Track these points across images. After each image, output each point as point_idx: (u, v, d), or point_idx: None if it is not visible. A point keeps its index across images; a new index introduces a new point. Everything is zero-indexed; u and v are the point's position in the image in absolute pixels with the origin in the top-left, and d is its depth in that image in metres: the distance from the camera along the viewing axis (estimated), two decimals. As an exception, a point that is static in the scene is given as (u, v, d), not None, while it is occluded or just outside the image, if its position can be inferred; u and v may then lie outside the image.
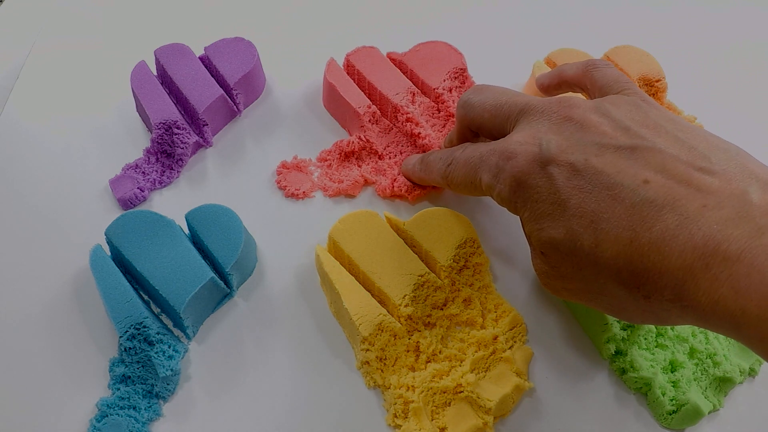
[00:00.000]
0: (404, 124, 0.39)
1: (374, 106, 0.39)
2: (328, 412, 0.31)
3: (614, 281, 0.25)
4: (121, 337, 0.30)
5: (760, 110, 0.45)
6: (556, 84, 0.35)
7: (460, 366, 0.31)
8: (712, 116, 0.42)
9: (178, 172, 0.39)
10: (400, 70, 0.42)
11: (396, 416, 0.30)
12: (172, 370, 0.31)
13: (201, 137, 0.39)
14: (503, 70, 0.44)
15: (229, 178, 0.39)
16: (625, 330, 0.32)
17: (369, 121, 0.39)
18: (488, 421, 0.30)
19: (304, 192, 0.38)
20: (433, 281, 0.32)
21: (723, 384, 0.32)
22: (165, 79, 0.40)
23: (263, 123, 0.41)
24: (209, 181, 0.39)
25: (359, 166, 0.39)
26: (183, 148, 0.38)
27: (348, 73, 0.41)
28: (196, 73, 0.39)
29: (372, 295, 0.32)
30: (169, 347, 0.31)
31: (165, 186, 0.38)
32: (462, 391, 0.30)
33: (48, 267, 0.35)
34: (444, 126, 0.40)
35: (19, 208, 0.37)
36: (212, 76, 0.40)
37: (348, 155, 0.40)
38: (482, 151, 0.30)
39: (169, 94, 0.40)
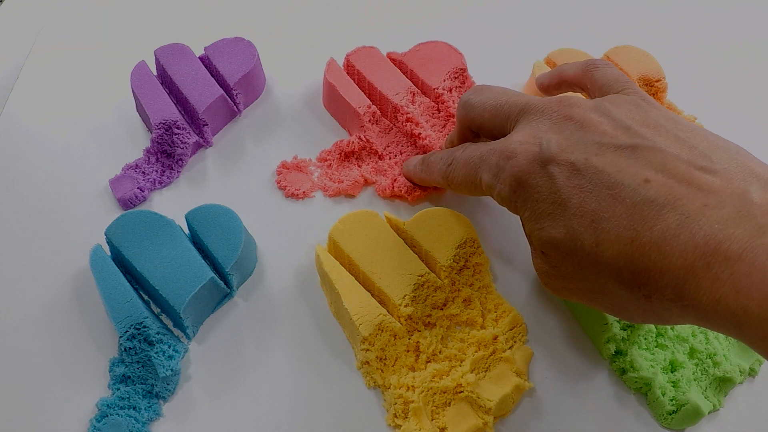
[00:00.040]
0: (404, 124, 0.39)
1: (374, 106, 0.39)
2: (328, 412, 0.31)
3: (615, 281, 0.25)
4: (121, 337, 0.30)
5: (760, 110, 0.45)
6: (556, 84, 0.35)
7: (460, 366, 0.31)
8: (712, 116, 0.42)
9: (178, 172, 0.39)
10: (400, 70, 0.42)
11: (396, 416, 0.30)
12: (172, 370, 0.31)
13: (201, 137, 0.39)
14: (503, 70, 0.44)
15: (229, 178, 0.39)
16: (625, 330, 0.32)
17: (369, 121, 0.39)
18: (488, 421, 0.30)
19: (304, 192, 0.38)
20: (433, 281, 0.32)
21: (723, 384, 0.32)
22: (165, 79, 0.40)
23: (263, 123, 0.41)
24: (209, 181, 0.39)
25: (359, 166, 0.39)
26: (183, 148, 0.38)
27: (348, 73, 0.41)
28: (196, 73, 0.39)
29: (372, 295, 0.32)
30: (169, 347, 0.31)
31: (165, 186, 0.38)
32: (462, 391, 0.30)
33: (48, 267, 0.35)
34: (444, 126, 0.40)
35: (19, 208, 0.37)
36: (212, 76, 0.40)
37: (348, 155, 0.40)
38: (482, 151, 0.30)
39: (169, 94, 0.40)
